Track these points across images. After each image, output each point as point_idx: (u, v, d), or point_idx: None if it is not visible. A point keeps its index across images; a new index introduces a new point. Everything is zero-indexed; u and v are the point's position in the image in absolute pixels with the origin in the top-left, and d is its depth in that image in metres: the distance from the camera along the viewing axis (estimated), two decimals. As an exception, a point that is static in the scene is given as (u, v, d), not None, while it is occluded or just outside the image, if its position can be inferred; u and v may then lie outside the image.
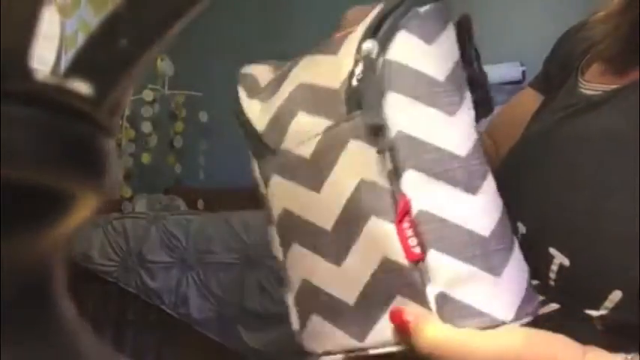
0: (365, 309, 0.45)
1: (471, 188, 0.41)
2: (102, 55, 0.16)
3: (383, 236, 0.43)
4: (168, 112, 2.58)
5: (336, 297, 0.47)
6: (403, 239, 0.42)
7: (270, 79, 0.54)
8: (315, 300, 0.49)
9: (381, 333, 0.44)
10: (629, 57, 0.53)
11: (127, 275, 2.01)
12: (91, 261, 2.01)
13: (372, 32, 0.44)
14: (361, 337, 0.46)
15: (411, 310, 0.42)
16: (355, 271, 0.45)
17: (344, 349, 0.47)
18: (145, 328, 2.00)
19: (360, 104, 0.44)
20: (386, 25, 0.44)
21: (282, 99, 0.50)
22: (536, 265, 0.49)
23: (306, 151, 0.47)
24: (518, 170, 0.56)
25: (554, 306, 0.48)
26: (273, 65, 0.56)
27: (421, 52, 0.43)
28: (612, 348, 0.41)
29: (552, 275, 0.47)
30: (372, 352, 0.45)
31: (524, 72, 2.38)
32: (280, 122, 0.50)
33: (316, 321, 0.49)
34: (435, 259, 0.41)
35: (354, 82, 0.44)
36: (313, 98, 0.48)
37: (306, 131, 0.48)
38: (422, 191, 0.42)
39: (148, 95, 2.43)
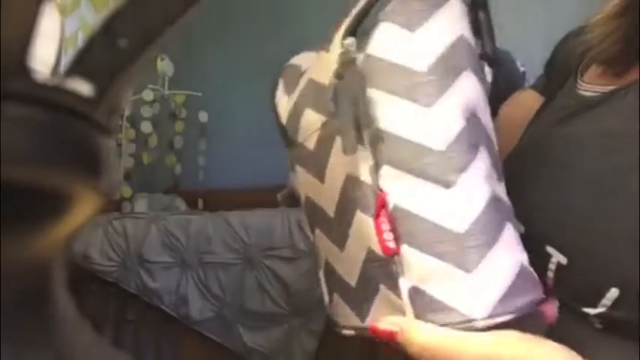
0: (363, 292, 0.47)
1: (446, 183, 0.41)
2: (102, 55, 0.16)
3: (366, 229, 0.44)
4: (168, 112, 2.58)
5: (344, 279, 0.50)
6: (379, 233, 0.42)
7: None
8: (333, 279, 0.53)
9: (375, 318, 0.46)
10: (627, 59, 0.53)
11: (127, 275, 2.01)
12: (91, 261, 2.01)
13: (354, 26, 0.44)
14: (362, 318, 0.48)
15: (390, 321, 0.43)
16: (353, 257, 0.47)
17: (353, 327, 0.51)
18: (145, 328, 2.00)
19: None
20: (368, 18, 0.44)
21: (297, 94, 0.53)
22: (535, 264, 0.49)
23: (311, 144, 0.51)
24: (518, 170, 0.56)
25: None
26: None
27: (402, 42, 0.43)
28: (610, 346, 0.41)
29: (550, 274, 0.47)
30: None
31: (524, 72, 2.38)
32: (295, 116, 0.53)
33: (336, 298, 0.53)
34: (408, 254, 0.41)
35: (335, 80, 0.45)
36: (315, 94, 0.50)
37: (310, 126, 0.50)
38: (397, 186, 0.42)
39: (148, 95, 2.43)
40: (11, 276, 0.15)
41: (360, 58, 0.43)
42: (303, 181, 0.55)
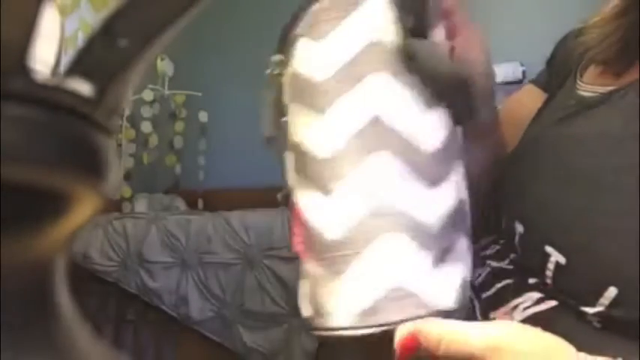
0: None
1: (326, 190, 0.42)
2: (102, 55, 0.16)
3: None
4: (168, 112, 2.58)
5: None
6: (292, 234, 0.45)
7: None
8: None
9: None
10: (626, 59, 0.53)
11: (127, 275, 2.01)
12: (91, 261, 2.01)
13: (282, 42, 0.46)
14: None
15: (404, 334, 0.39)
16: None
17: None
18: (145, 328, 2.00)
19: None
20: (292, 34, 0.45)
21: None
22: (534, 263, 0.49)
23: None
24: (518, 170, 0.56)
25: (551, 303, 0.48)
26: None
27: (312, 54, 0.43)
28: (609, 345, 0.41)
29: (549, 273, 0.47)
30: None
31: (524, 72, 2.38)
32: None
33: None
34: (305, 257, 0.44)
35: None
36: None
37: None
38: (300, 192, 0.44)
39: (148, 95, 2.43)
40: (11, 276, 0.15)
41: (288, 73, 0.46)
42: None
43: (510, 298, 0.51)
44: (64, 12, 2.00)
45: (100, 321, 1.96)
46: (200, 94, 2.59)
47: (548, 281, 0.48)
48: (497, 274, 0.54)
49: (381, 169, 0.41)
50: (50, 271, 0.17)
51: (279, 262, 1.89)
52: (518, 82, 2.31)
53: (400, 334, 0.38)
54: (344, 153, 0.41)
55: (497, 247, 0.57)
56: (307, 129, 0.43)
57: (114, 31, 0.16)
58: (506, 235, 0.55)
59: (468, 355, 0.36)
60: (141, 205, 2.44)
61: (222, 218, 2.02)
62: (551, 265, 0.47)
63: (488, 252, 0.58)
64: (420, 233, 0.40)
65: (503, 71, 2.31)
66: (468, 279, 0.43)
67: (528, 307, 0.49)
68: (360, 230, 0.40)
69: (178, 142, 2.59)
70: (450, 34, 0.48)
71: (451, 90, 0.42)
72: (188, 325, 1.96)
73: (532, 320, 0.47)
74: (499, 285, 0.53)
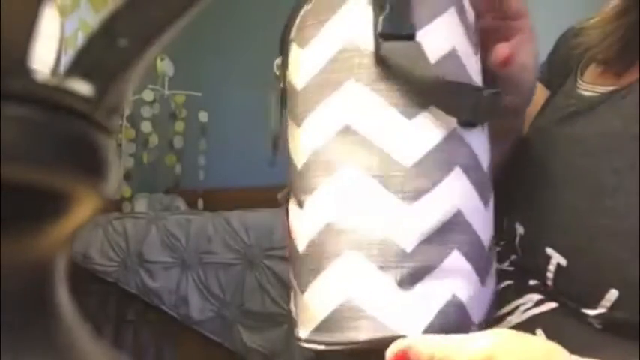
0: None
1: (299, 203, 0.43)
2: (102, 55, 0.16)
3: None
4: (168, 112, 2.57)
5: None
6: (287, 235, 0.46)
7: None
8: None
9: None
10: (627, 59, 0.53)
11: (127, 275, 2.00)
12: (91, 261, 2.01)
13: (282, 45, 0.47)
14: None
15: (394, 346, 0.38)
16: None
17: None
18: (145, 328, 2.00)
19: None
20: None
21: None
22: (535, 265, 0.49)
23: None
24: (518, 171, 0.56)
25: (552, 305, 0.48)
26: None
27: (298, 61, 0.44)
28: (609, 346, 0.41)
29: (550, 275, 0.47)
30: None
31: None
32: None
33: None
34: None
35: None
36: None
37: None
38: (289, 203, 0.45)
39: (148, 95, 2.42)
40: (11, 276, 0.15)
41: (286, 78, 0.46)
42: None
43: (511, 299, 0.51)
44: (64, 12, 2.00)
45: (100, 321, 1.95)
46: (200, 94, 2.59)
47: (549, 283, 0.48)
48: (497, 276, 0.54)
49: (347, 184, 0.39)
50: (50, 271, 0.17)
51: (279, 262, 1.88)
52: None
53: (391, 351, 0.37)
54: (315, 165, 0.41)
55: (498, 248, 0.57)
56: (291, 138, 0.44)
57: (114, 32, 0.16)
58: (507, 236, 0.55)
59: None
60: (141, 205, 2.43)
61: (222, 218, 2.01)
62: (551, 267, 0.47)
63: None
64: (385, 251, 0.38)
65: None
66: (464, 296, 0.40)
67: (529, 309, 0.49)
68: (322, 246, 0.39)
69: (178, 142, 2.59)
70: (508, 36, 0.47)
71: (435, 93, 0.39)
72: (188, 325, 1.96)
73: (532, 322, 0.47)
74: (500, 286, 0.53)
